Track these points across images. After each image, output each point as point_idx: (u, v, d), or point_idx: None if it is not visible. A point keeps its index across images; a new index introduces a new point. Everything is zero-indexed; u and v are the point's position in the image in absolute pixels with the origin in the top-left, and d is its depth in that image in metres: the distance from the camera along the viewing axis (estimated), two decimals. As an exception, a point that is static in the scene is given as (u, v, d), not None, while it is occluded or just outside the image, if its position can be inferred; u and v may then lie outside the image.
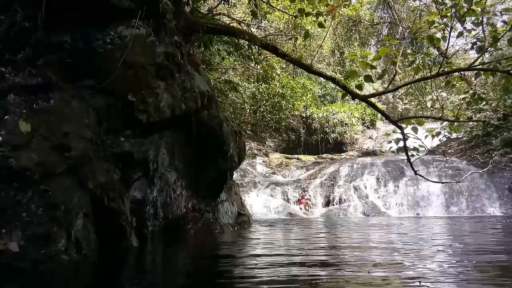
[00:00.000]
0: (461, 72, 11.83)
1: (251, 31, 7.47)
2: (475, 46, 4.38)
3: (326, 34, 14.55)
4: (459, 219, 8.03)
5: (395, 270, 2.59)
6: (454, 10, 4.02)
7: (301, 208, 10.75)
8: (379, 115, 18.33)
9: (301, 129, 20.29)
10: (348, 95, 5.10)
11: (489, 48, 4.24)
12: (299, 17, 6.88)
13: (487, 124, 11.28)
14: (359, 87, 4.80)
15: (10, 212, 2.56)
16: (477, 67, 4.24)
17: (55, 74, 3.16)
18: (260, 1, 7.81)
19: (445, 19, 4.43)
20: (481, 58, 4.49)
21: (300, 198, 11.04)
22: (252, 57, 8.21)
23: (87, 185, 3.17)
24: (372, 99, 5.53)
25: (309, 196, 10.99)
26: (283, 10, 10.19)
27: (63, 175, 2.94)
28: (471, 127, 12.53)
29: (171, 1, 4.35)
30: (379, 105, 7.99)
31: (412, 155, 4.95)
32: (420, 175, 5.12)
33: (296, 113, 18.88)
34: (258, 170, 14.20)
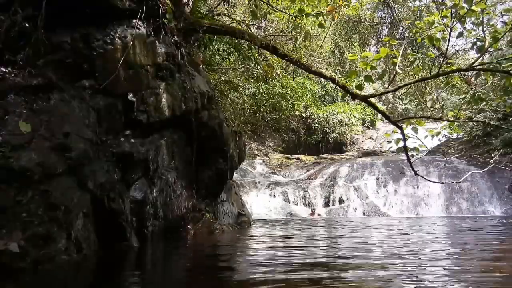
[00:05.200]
0: (461, 73, 11.83)
1: (251, 31, 7.47)
2: (475, 46, 4.38)
3: (326, 35, 14.55)
4: (459, 219, 8.03)
5: (395, 271, 2.59)
6: (454, 11, 4.02)
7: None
8: (379, 115, 18.34)
9: (301, 129, 20.30)
10: (348, 95, 5.10)
11: (489, 49, 4.24)
12: (299, 18, 6.89)
13: (487, 124, 11.28)
14: (359, 87, 4.81)
15: (10, 212, 2.56)
16: (477, 67, 4.24)
17: (55, 74, 3.16)
18: (260, 1, 7.80)
19: (445, 20, 4.43)
20: (481, 58, 4.49)
21: (311, 213, 10.94)
22: (252, 57, 8.21)
23: (87, 185, 3.17)
24: (372, 99, 5.54)
25: (318, 213, 10.87)
26: (283, 11, 10.19)
27: (63, 175, 2.94)
28: (471, 127, 12.54)
29: (171, 1, 4.36)
30: (379, 105, 7.99)
31: (412, 155, 4.95)
32: (420, 175, 5.12)
33: (296, 113, 18.89)
34: (258, 170, 14.21)
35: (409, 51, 12.64)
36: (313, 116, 19.51)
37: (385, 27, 19.18)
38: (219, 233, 4.97)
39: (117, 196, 3.50)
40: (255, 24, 13.23)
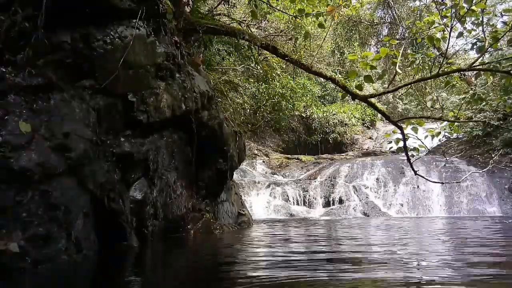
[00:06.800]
0: (461, 73, 11.83)
1: (251, 31, 7.47)
2: (475, 47, 4.38)
3: (326, 35, 14.55)
4: (459, 219, 8.03)
5: (396, 271, 2.59)
6: (454, 11, 4.02)
7: None
8: (379, 115, 18.32)
9: (301, 129, 20.29)
10: (348, 95, 5.10)
11: (489, 49, 4.24)
12: (299, 17, 6.89)
13: (487, 124, 11.27)
14: (359, 87, 4.80)
15: (10, 212, 2.56)
16: (477, 67, 4.24)
17: (55, 74, 3.16)
18: (260, 1, 7.81)
19: (445, 19, 4.43)
20: (481, 58, 4.49)
21: None
22: (252, 57, 8.21)
23: (87, 185, 3.17)
24: (372, 99, 5.53)
25: None
26: (283, 11, 10.19)
27: (63, 175, 2.94)
28: (471, 127, 12.53)
29: (171, 1, 4.35)
30: (379, 105, 7.98)
31: (412, 155, 4.95)
32: (420, 175, 5.12)
33: (296, 113, 18.87)
34: (258, 170, 14.20)
35: (409, 51, 12.63)
36: (313, 116, 19.49)
37: (385, 27, 19.18)
38: (219, 233, 4.97)
39: (117, 196, 3.50)
40: (255, 24, 13.22)
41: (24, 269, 2.49)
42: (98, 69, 3.45)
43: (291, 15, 8.15)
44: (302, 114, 19.73)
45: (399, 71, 4.82)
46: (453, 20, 4.07)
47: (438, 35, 4.78)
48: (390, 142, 4.99)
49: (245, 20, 8.63)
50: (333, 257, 3.28)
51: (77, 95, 3.31)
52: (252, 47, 6.53)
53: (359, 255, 3.36)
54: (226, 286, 2.32)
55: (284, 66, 16.01)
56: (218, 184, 5.53)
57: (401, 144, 4.79)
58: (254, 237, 5.23)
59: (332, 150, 19.27)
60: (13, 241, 2.49)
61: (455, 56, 15.62)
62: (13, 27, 2.95)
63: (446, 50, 5.40)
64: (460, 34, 4.69)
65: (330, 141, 19.91)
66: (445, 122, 5.09)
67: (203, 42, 6.23)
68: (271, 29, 15.80)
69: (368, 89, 17.40)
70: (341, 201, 10.90)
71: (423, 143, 4.63)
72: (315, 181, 11.86)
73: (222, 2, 7.49)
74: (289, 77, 15.76)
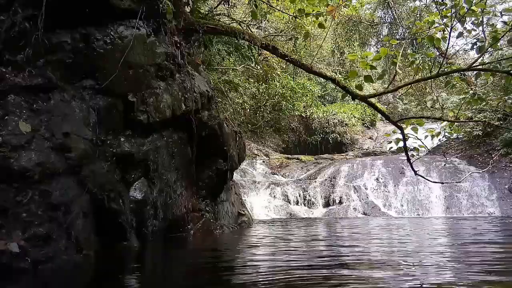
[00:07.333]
0: (461, 73, 11.82)
1: (251, 31, 7.47)
2: (475, 47, 4.38)
3: (326, 35, 14.56)
4: (459, 219, 8.03)
5: (396, 271, 2.59)
6: (454, 11, 4.02)
7: None
8: (379, 115, 18.31)
9: (301, 129, 20.29)
10: (348, 95, 5.10)
11: (489, 49, 4.24)
12: (299, 18, 6.89)
13: (487, 124, 11.26)
14: (359, 87, 4.80)
15: (10, 212, 2.56)
16: (477, 67, 4.24)
17: (55, 74, 3.16)
18: (260, 1, 7.80)
19: (445, 20, 4.43)
20: (481, 58, 4.49)
21: None
22: (252, 57, 8.21)
23: (87, 185, 3.17)
24: (372, 99, 5.53)
25: None
26: (283, 11, 10.18)
27: (63, 175, 2.94)
28: (471, 127, 12.52)
29: (171, 1, 4.35)
30: (379, 105, 7.99)
31: (412, 155, 4.95)
32: (420, 175, 5.12)
33: (296, 113, 18.87)
34: (258, 170, 14.19)
35: (409, 51, 12.64)
36: (313, 116, 19.50)
37: (385, 27, 19.18)
38: (219, 233, 4.97)
39: (117, 196, 3.50)
40: (255, 24, 13.22)
41: (24, 269, 2.49)
42: (98, 69, 3.46)
43: (291, 15, 8.15)
44: (302, 114, 19.71)
45: (399, 71, 4.82)
46: (453, 20, 4.06)
47: (438, 35, 4.78)
48: (390, 142, 4.99)
49: (245, 20, 8.64)
50: (333, 258, 3.28)
51: (77, 95, 3.31)
52: (252, 47, 6.53)
53: (359, 256, 3.36)
54: (225, 286, 2.32)
55: (284, 66, 16.02)
56: (218, 184, 5.53)
57: (401, 144, 4.79)
58: (254, 237, 5.23)
59: (332, 150, 19.25)
60: (13, 241, 2.49)
61: (455, 56, 15.61)
62: (13, 27, 2.95)
63: (446, 50, 5.40)
64: (460, 34, 4.69)
65: (330, 141, 19.90)
66: (445, 122, 5.09)
67: (203, 42, 6.23)
68: (271, 29, 15.79)
69: (368, 89, 17.40)
70: (341, 201, 10.89)
71: (423, 143, 4.63)
72: (315, 181, 11.85)
73: (222, 2, 7.50)
74: (289, 77, 15.77)
